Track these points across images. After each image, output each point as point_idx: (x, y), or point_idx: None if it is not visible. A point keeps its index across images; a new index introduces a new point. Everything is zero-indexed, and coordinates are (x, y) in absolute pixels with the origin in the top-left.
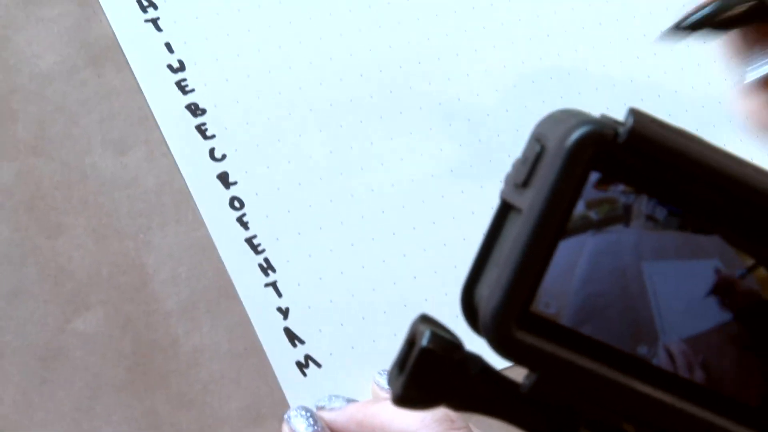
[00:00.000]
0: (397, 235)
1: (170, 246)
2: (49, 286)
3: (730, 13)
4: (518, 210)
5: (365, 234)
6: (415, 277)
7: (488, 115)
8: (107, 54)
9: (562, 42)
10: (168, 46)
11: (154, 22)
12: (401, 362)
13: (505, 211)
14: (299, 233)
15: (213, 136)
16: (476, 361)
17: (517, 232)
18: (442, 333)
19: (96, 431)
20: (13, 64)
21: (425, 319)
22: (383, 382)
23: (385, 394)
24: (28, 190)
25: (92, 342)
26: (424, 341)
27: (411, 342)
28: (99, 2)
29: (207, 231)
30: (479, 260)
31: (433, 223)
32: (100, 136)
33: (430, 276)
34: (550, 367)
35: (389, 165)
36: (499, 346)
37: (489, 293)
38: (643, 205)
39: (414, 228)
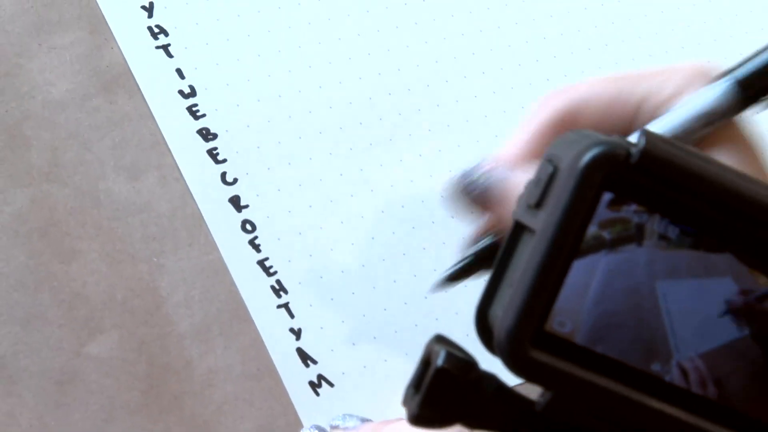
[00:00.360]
0: (408, 256)
1: (183, 269)
2: (64, 311)
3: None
4: (531, 231)
5: (375, 255)
6: (425, 298)
7: (496, 136)
8: (119, 81)
9: (558, 45)
10: (179, 72)
11: (165, 48)
12: (417, 382)
13: (518, 231)
14: (310, 255)
15: (224, 161)
16: (491, 379)
17: (530, 252)
18: (457, 353)
19: None
20: (26, 91)
21: (440, 339)
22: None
23: None
24: (42, 216)
25: (107, 365)
26: (439, 361)
27: (426, 362)
28: (110, 30)
29: (219, 254)
30: (493, 281)
31: (443, 243)
32: (112, 162)
33: (440, 296)
34: (565, 386)
35: (399, 186)
36: (514, 365)
37: (503, 313)
38: (655, 224)
39: (424, 248)
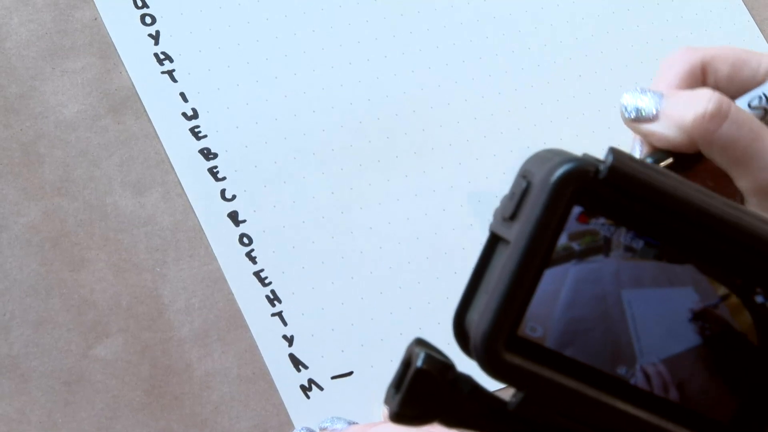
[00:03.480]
0: (393, 270)
1: (184, 279)
2: (73, 316)
3: None
4: (506, 241)
5: (364, 268)
6: (410, 308)
7: (477, 159)
8: (126, 103)
9: (536, 75)
10: (182, 95)
11: (170, 73)
12: (398, 382)
13: (493, 242)
14: (303, 267)
15: (224, 178)
16: (467, 381)
17: (504, 261)
18: (436, 355)
19: None
20: (39, 112)
21: (420, 342)
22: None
23: None
24: (54, 227)
25: (112, 367)
26: (419, 362)
27: (407, 363)
28: (119, 55)
29: (218, 265)
30: (470, 288)
31: (427, 258)
32: (119, 178)
33: (424, 307)
34: (536, 387)
35: (386, 205)
36: (489, 366)
37: (479, 318)
38: (622, 236)
39: (409, 263)
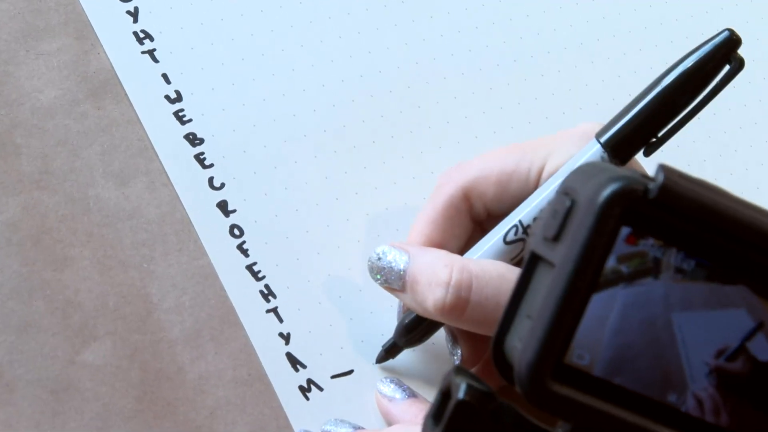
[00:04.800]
0: None
1: (173, 275)
2: (58, 319)
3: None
4: (549, 263)
5: (362, 258)
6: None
7: (476, 137)
8: (106, 86)
9: (535, 45)
10: (165, 77)
11: (151, 53)
12: (436, 413)
13: (534, 262)
14: (298, 259)
15: (211, 165)
16: (510, 410)
17: (550, 286)
18: (476, 384)
19: None
20: (14, 98)
21: (460, 371)
22: (386, 389)
23: (388, 402)
24: (34, 224)
25: (101, 373)
26: (460, 394)
27: (446, 393)
28: (97, 35)
29: (209, 259)
30: (509, 311)
31: None
32: (101, 168)
33: None
34: (584, 418)
35: (383, 189)
36: (535, 398)
37: (523, 346)
38: (671, 257)
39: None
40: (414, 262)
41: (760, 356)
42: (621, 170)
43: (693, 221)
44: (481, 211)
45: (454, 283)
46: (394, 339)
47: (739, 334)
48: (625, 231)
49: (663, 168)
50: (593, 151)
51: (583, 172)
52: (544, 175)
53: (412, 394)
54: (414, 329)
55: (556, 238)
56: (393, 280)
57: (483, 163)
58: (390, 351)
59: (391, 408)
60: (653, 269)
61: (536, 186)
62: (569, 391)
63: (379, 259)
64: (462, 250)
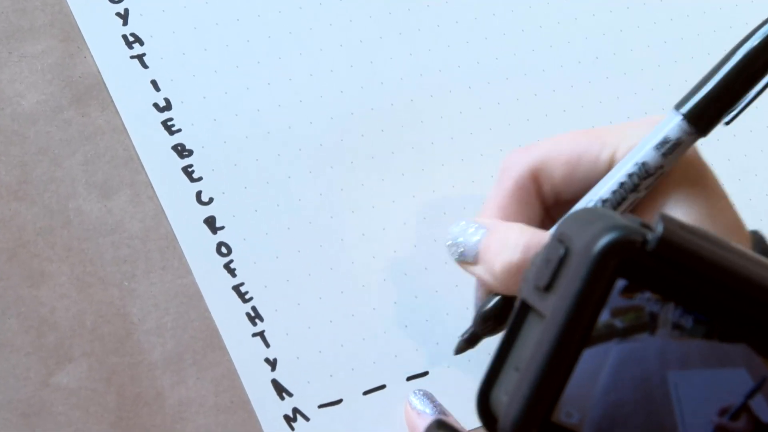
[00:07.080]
0: (388, 282)
1: (155, 294)
2: (32, 338)
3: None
4: (540, 314)
5: (356, 280)
6: (406, 326)
7: (482, 155)
8: (91, 92)
9: (547, 58)
10: (154, 83)
11: (140, 58)
12: None
13: (524, 312)
14: (288, 280)
15: (200, 179)
16: None
17: (539, 339)
18: None
19: None
20: None
21: (441, 425)
22: (418, 402)
23: (417, 416)
24: (10, 236)
25: (75, 396)
26: None
27: None
28: (83, 38)
29: (193, 278)
30: (496, 361)
31: (425, 268)
32: (84, 179)
33: (422, 324)
34: None
35: (381, 208)
36: None
37: (509, 401)
38: (669, 312)
39: (405, 274)
40: (489, 233)
41: (762, 417)
42: (619, 218)
43: (693, 275)
44: (549, 195)
45: (524, 242)
46: (473, 328)
47: (739, 394)
48: (620, 283)
49: (663, 218)
50: (675, 122)
51: (579, 218)
52: (618, 156)
53: (442, 412)
54: (492, 316)
55: (548, 287)
56: (468, 254)
57: (552, 143)
58: (470, 341)
59: (419, 423)
60: (649, 324)
61: (607, 169)
62: None
63: (457, 233)
64: None
